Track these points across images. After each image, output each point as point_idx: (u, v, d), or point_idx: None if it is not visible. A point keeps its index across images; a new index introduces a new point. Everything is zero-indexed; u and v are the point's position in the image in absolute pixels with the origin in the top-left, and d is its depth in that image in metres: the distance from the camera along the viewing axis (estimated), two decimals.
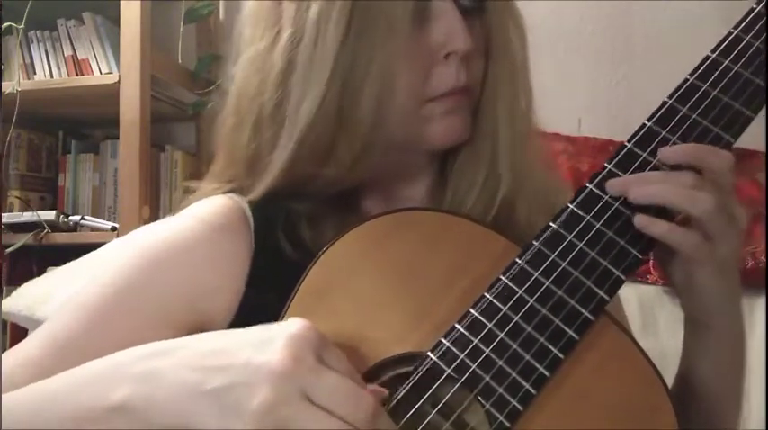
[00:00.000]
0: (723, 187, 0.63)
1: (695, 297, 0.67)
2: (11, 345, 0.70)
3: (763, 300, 1.49)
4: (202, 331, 0.72)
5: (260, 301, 0.70)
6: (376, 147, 0.71)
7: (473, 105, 0.75)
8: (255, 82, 0.74)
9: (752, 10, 0.68)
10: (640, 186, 0.63)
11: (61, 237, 1.88)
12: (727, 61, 0.66)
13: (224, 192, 0.79)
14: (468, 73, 0.72)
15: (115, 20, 1.90)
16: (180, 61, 2.02)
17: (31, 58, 2.00)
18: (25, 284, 1.48)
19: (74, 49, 1.98)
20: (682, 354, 0.75)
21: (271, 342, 0.52)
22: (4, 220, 1.88)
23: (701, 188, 0.62)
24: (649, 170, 0.65)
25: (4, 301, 1.45)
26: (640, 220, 0.62)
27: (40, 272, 1.69)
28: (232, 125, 0.78)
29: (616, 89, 1.86)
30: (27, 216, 1.89)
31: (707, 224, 0.62)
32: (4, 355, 0.67)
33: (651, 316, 1.50)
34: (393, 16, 0.68)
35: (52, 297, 1.38)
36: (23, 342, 0.69)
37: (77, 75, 1.96)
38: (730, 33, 0.68)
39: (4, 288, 1.74)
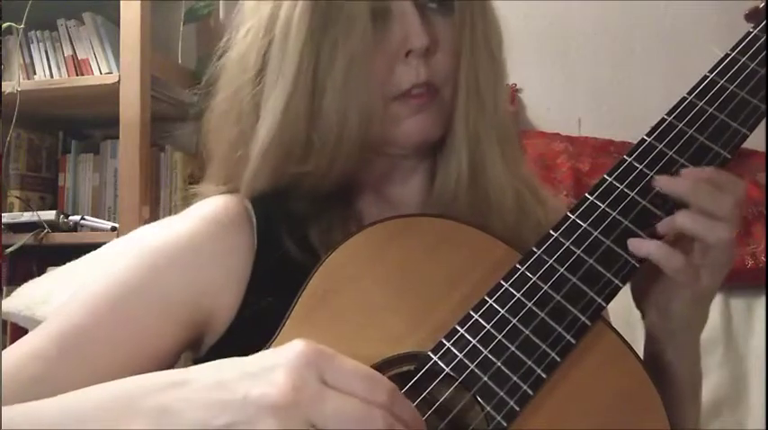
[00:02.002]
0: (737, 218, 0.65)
1: (665, 320, 0.70)
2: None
3: (763, 300, 1.49)
4: (206, 328, 0.72)
5: (264, 303, 0.71)
6: (349, 146, 0.73)
7: (443, 104, 0.76)
8: (237, 80, 0.76)
9: (749, 33, 0.71)
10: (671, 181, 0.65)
11: (61, 237, 1.88)
12: (722, 81, 0.69)
13: (224, 192, 0.80)
14: (431, 70, 0.74)
15: (115, 20, 1.90)
16: (180, 61, 2.03)
17: (31, 57, 2.00)
18: (25, 284, 1.48)
19: (74, 49, 1.98)
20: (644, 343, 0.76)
21: (269, 371, 0.50)
22: (4, 220, 1.88)
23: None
24: (644, 184, 0.67)
25: (4, 301, 1.45)
26: (632, 244, 0.64)
27: (40, 272, 1.69)
28: (217, 119, 0.80)
29: (616, 89, 1.87)
30: (27, 216, 1.89)
31: (716, 252, 0.64)
32: (9, 348, 0.67)
33: None
34: (352, 15, 0.70)
35: (52, 297, 1.38)
36: (29, 335, 0.69)
37: (77, 75, 1.97)
38: (727, 55, 0.71)
39: (4, 288, 1.74)
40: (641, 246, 0.64)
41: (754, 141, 0.69)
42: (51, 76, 1.99)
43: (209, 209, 0.77)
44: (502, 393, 0.59)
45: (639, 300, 0.72)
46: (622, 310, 1.41)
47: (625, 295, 0.67)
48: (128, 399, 0.55)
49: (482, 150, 0.76)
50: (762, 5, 0.72)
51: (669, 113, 0.69)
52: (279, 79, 0.72)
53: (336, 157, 0.73)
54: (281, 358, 0.50)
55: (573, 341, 0.61)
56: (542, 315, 0.62)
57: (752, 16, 0.73)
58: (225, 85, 0.79)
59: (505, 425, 0.58)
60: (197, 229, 0.75)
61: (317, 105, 0.71)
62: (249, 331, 0.67)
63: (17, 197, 2.04)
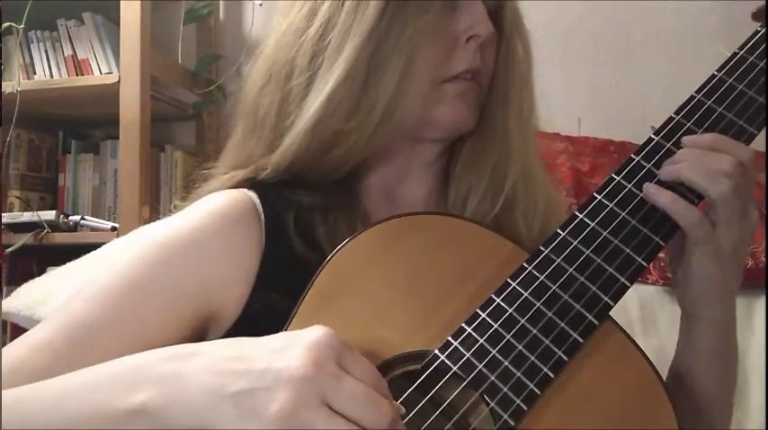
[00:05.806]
0: (745, 179, 0.65)
1: (688, 282, 0.70)
2: None
3: (763, 300, 1.49)
4: (211, 323, 0.73)
5: (270, 300, 0.71)
6: (393, 121, 0.75)
7: (482, 96, 0.80)
8: (290, 44, 0.78)
9: (756, 32, 0.72)
10: (668, 164, 0.67)
11: (61, 237, 1.88)
12: (731, 80, 0.69)
13: (238, 181, 0.80)
14: (482, 60, 0.78)
15: (115, 20, 1.90)
16: (180, 61, 2.02)
17: (31, 57, 2.00)
18: (25, 284, 1.48)
19: (74, 49, 1.98)
20: (675, 349, 0.77)
21: (291, 348, 0.53)
22: (4, 220, 1.88)
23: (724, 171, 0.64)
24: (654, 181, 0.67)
25: (4, 301, 1.44)
26: (648, 188, 0.66)
27: (40, 272, 1.69)
28: (261, 85, 0.81)
29: (616, 89, 1.87)
30: (27, 216, 1.89)
31: (720, 207, 0.64)
32: (15, 342, 0.67)
33: (651, 315, 1.50)
34: (425, 3, 0.75)
35: (52, 297, 1.38)
36: (36, 328, 0.69)
37: (77, 75, 1.96)
38: (735, 54, 0.71)
39: (4, 288, 1.74)
40: (659, 194, 0.65)
41: (755, 141, 0.69)
42: (51, 76, 1.98)
43: (217, 203, 0.77)
44: (509, 392, 0.59)
45: (672, 270, 0.73)
46: (622, 309, 1.41)
47: (635, 289, 0.68)
48: (137, 367, 0.57)
49: (529, 149, 0.81)
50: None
51: (677, 112, 0.70)
52: (345, 44, 0.74)
53: (378, 130, 0.75)
54: (303, 338, 0.53)
55: (580, 340, 0.61)
56: (550, 314, 0.62)
57: (759, 15, 0.73)
58: (273, 50, 0.81)
59: (513, 424, 0.58)
60: (204, 224, 0.74)
61: (374, 75, 0.74)
62: (255, 328, 0.67)
63: (17, 197, 2.04)
